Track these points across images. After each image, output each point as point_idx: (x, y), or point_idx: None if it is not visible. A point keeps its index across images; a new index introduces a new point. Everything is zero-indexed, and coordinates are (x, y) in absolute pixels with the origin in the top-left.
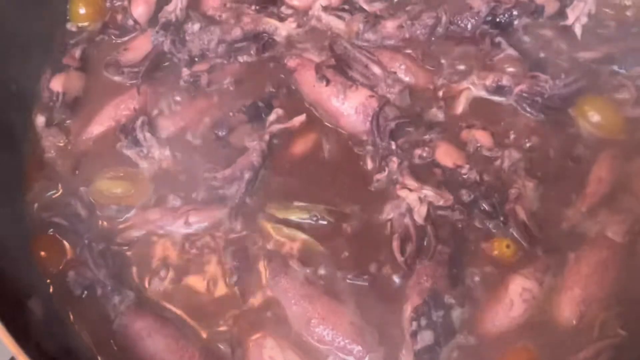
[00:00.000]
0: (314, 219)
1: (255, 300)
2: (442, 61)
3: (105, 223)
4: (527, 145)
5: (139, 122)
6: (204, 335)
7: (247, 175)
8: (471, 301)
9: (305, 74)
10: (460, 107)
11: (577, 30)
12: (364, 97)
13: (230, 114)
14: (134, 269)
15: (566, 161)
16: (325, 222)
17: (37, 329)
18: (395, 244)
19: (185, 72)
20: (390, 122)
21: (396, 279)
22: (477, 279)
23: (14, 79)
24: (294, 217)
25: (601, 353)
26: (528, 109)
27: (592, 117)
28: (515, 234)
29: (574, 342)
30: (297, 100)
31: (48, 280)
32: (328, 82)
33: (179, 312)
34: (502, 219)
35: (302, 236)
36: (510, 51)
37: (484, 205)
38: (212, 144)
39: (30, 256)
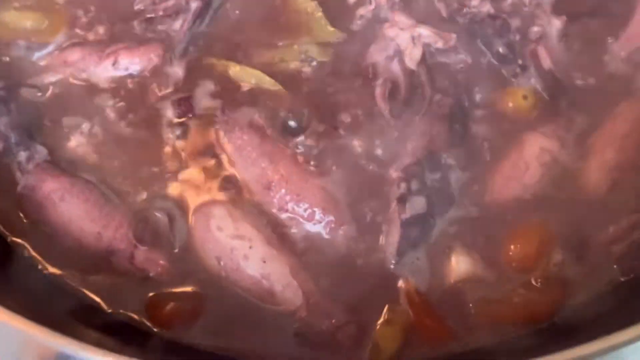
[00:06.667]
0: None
1: (204, 160)
2: None
3: (10, 62)
4: None
5: None
6: (136, 201)
7: (194, 5)
8: (475, 163)
9: None
10: None
11: None
12: None
13: None
14: (48, 122)
15: None
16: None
17: None
18: (380, 90)
19: None
20: None
21: None
22: (484, 136)
23: None
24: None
25: (637, 227)
26: None
27: None
28: (535, 82)
29: (602, 215)
30: None
31: None
32: None
33: (104, 173)
34: (520, 62)
35: (260, 76)
36: None
37: (497, 45)
38: None
39: None
